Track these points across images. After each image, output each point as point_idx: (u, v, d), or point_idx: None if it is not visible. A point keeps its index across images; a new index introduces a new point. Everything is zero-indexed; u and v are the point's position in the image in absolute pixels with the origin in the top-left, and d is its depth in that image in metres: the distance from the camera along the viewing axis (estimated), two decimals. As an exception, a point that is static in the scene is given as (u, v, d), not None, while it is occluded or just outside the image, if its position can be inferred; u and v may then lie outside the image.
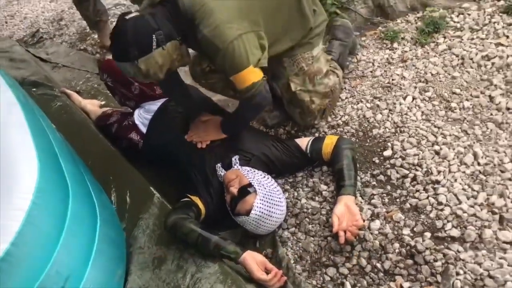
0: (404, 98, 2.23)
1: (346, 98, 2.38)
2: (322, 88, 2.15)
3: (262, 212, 1.76)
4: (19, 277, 1.27)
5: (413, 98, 2.22)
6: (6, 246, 1.21)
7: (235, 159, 1.96)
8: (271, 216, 1.79)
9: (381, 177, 1.96)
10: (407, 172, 1.92)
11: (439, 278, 1.59)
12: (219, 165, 1.97)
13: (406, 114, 2.16)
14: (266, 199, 1.78)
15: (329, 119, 2.30)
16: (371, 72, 2.47)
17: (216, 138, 2.05)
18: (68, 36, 4.10)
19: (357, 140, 2.15)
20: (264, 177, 1.90)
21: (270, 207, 1.78)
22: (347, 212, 1.77)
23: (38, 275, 1.31)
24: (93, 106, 2.74)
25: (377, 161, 2.03)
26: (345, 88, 2.44)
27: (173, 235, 1.76)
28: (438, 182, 1.83)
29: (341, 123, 2.26)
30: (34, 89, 3.02)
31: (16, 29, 4.79)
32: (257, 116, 2.26)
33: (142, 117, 2.24)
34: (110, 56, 1.90)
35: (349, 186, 1.86)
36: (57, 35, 4.21)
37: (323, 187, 2.00)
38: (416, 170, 1.92)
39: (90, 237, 1.56)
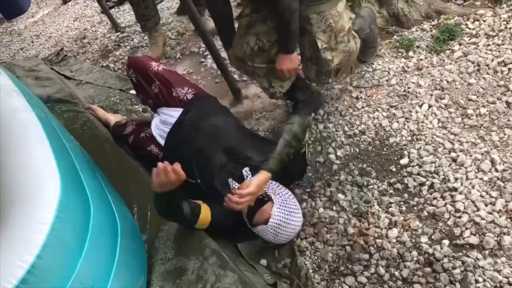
0: (420, 106, 2.24)
1: (362, 107, 2.39)
2: (343, 46, 2.15)
3: (280, 220, 1.79)
4: (45, 289, 1.32)
5: (429, 106, 2.22)
6: (32, 259, 1.26)
7: (245, 171, 1.98)
8: (289, 224, 1.82)
9: (398, 185, 1.96)
10: (424, 180, 1.92)
11: (458, 286, 1.59)
12: (230, 179, 1.99)
13: (422, 122, 2.16)
14: (283, 206, 1.80)
15: (346, 128, 2.32)
16: (386, 81, 2.49)
17: None
18: (91, 54, 4.22)
19: (374, 149, 2.16)
20: (278, 186, 1.93)
21: (287, 214, 1.80)
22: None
23: (63, 287, 1.36)
24: (116, 119, 2.82)
25: (394, 169, 2.03)
26: (361, 97, 2.45)
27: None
28: (455, 189, 1.83)
29: (358, 132, 2.27)
30: (59, 106, 3.12)
31: (42, 48, 4.96)
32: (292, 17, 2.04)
33: (159, 129, 2.28)
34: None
35: (271, 158, 1.86)
36: (80, 53, 4.34)
37: (341, 196, 2.01)
38: (433, 177, 1.92)
39: (111, 249, 1.61)
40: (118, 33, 4.39)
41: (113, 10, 4.93)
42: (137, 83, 2.40)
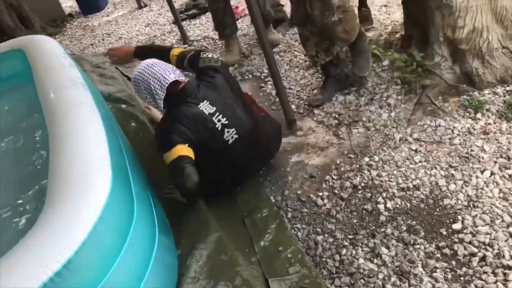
0: (482, 172, 2.14)
1: (420, 162, 2.31)
2: None
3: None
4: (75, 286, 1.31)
5: (492, 173, 2.11)
6: (70, 254, 1.26)
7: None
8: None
9: (447, 250, 1.86)
10: (476, 250, 1.81)
11: None
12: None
13: (482, 188, 2.06)
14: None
15: (400, 180, 2.23)
16: (449, 139, 2.39)
17: None
18: (156, 60, 4.31)
19: (426, 207, 2.06)
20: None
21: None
22: None
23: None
24: None
25: (444, 232, 1.93)
26: (420, 151, 2.37)
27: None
28: (509, 267, 1.71)
29: (412, 186, 2.18)
30: (118, 105, 3.20)
31: (111, 47, 5.11)
32: None
33: None
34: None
35: None
36: (146, 58, 4.44)
37: (384, 250, 1.92)
38: (487, 250, 1.80)
39: (146, 259, 1.59)
40: (186, 45, 4.49)
41: (184, 22, 5.06)
42: None
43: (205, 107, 2.12)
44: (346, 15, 2.63)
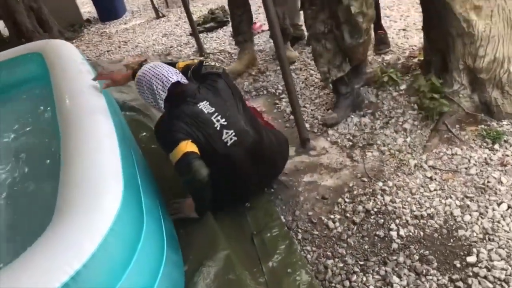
0: (499, 205, 2.09)
1: (435, 190, 2.27)
2: (371, 11, 2.67)
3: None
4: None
5: (509, 207, 2.07)
6: (78, 267, 1.23)
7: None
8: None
9: (461, 284, 1.81)
10: (491, 286, 1.76)
11: None
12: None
13: (498, 222, 2.01)
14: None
15: (414, 207, 2.19)
16: (465, 168, 2.35)
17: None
18: (171, 71, 4.32)
19: (440, 237, 2.02)
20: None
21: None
22: None
23: (99, 302, 1.32)
24: None
25: (458, 265, 1.88)
26: (435, 179, 2.33)
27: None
28: (525, 306, 1.66)
29: (426, 215, 2.14)
30: (131, 113, 3.19)
31: (126, 55, 5.15)
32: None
33: None
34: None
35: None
36: (161, 68, 4.45)
37: (395, 279, 1.87)
38: (502, 286, 1.75)
39: (153, 274, 1.56)
40: (202, 57, 4.49)
41: (201, 34, 5.07)
42: None
43: (205, 107, 2.13)
44: (369, 37, 2.79)
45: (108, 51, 5.54)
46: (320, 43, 2.86)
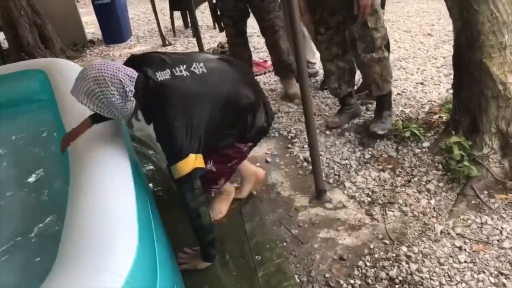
0: (538, 286, 1.90)
1: (466, 262, 2.07)
2: (383, 30, 2.93)
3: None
4: None
5: (550, 290, 1.88)
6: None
7: None
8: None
9: None
10: None
11: None
12: None
13: (539, 306, 1.82)
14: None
15: (443, 280, 1.99)
16: (497, 241, 2.17)
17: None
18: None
19: (475, 319, 1.81)
20: None
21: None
22: None
23: None
24: None
25: None
26: (465, 249, 2.14)
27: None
28: None
29: (458, 290, 1.94)
30: (134, 145, 3.00)
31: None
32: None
33: None
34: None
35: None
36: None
37: None
38: None
39: None
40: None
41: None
42: None
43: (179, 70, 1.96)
44: (384, 59, 3.01)
45: (110, 74, 5.36)
46: (333, 63, 3.17)
